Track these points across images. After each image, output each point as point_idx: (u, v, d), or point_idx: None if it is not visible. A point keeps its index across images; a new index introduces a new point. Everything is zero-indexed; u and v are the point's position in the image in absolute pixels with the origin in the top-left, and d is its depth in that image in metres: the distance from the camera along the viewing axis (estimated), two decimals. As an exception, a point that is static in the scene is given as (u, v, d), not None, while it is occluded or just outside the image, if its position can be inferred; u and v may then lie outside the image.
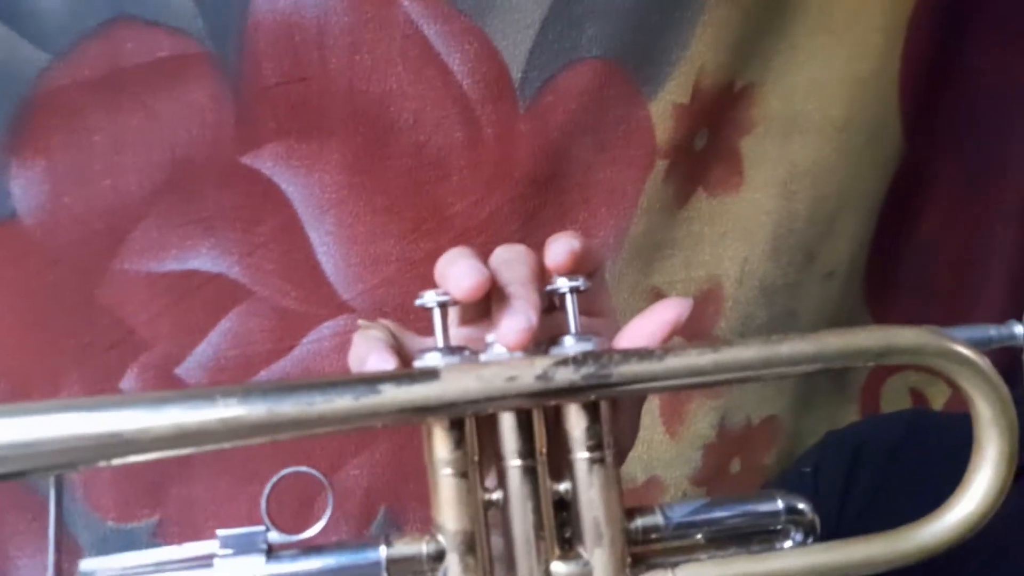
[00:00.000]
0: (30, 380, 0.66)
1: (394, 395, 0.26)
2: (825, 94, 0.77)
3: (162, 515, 0.69)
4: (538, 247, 0.75)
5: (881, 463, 0.52)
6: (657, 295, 0.78)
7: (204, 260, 0.69)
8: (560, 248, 0.31)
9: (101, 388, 0.67)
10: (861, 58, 0.77)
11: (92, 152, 0.66)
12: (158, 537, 0.70)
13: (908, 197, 0.85)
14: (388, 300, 0.71)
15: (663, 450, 0.79)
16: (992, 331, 0.32)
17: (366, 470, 0.72)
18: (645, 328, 0.30)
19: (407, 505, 0.72)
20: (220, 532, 0.28)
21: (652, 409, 0.78)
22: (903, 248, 0.87)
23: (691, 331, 0.77)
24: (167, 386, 0.69)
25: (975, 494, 0.28)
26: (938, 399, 0.87)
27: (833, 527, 0.53)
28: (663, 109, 0.73)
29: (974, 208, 0.84)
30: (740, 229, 0.78)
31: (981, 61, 0.83)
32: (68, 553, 0.72)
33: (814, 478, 0.55)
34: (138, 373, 0.68)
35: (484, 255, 0.37)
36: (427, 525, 0.28)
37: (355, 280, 0.71)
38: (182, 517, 0.69)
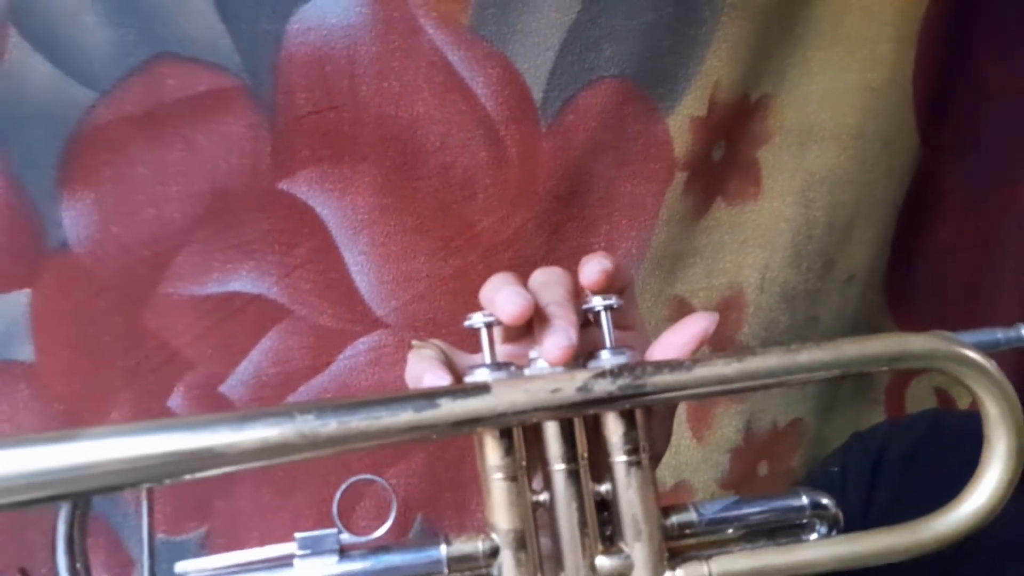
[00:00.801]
0: (83, 402, 0.69)
1: (451, 408, 0.28)
2: (839, 104, 0.79)
3: (209, 527, 0.72)
4: (563, 261, 0.78)
5: (904, 462, 0.53)
6: (680, 304, 0.80)
7: (244, 282, 0.71)
8: (593, 268, 0.33)
9: (148, 408, 0.70)
10: (873, 68, 0.79)
11: (137, 184, 0.69)
12: (206, 548, 0.72)
13: (924, 202, 0.86)
14: (420, 315, 0.74)
15: (691, 455, 0.80)
16: (1000, 334, 0.34)
17: (403, 480, 0.75)
18: (675, 341, 0.33)
19: (443, 514, 0.75)
20: (298, 535, 0.31)
21: (679, 414, 0.79)
22: (921, 252, 0.88)
23: (715, 338, 0.79)
24: (212, 404, 0.72)
25: (987, 487, 0.30)
26: (964, 398, 0.88)
27: (860, 524, 0.55)
28: (680, 123, 0.75)
29: (988, 212, 0.85)
30: (760, 237, 0.80)
31: (991, 69, 0.85)
32: (122, 565, 0.76)
33: (842, 477, 0.56)
34: (184, 392, 0.71)
35: (511, 270, 0.39)
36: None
37: (388, 297, 0.74)
38: (228, 529, 0.72)
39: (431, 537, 0.31)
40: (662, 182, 0.76)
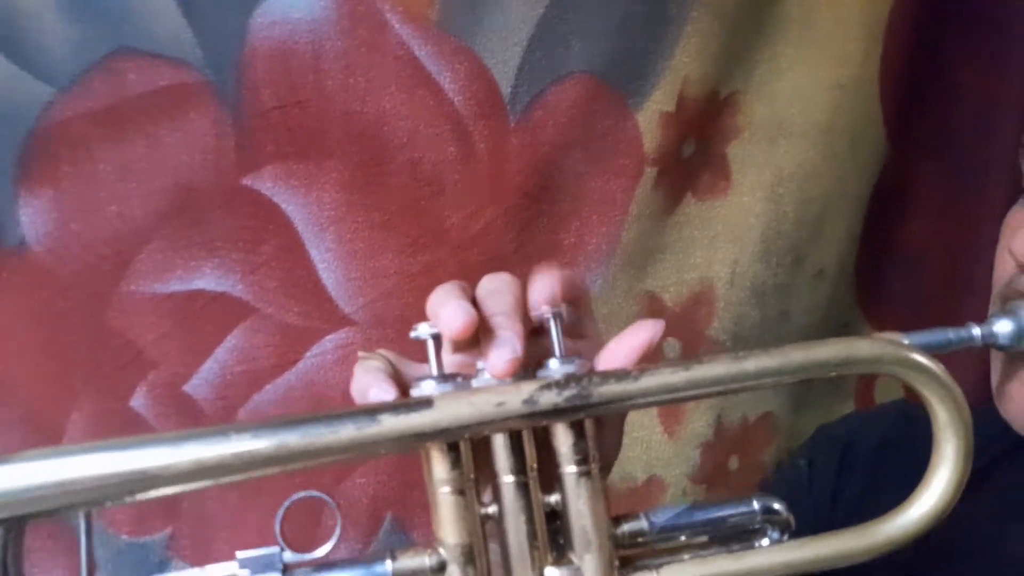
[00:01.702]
0: (43, 403, 0.68)
1: (393, 424, 0.28)
2: (808, 100, 0.79)
3: (175, 528, 0.71)
4: (533, 257, 0.77)
5: (871, 455, 0.54)
6: (651, 300, 0.80)
7: (208, 280, 0.70)
8: (542, 287, 0.33)
9: (111, 408, 0.69)
10: (841, 65, 0.79)
11: (98, 181, 0.68)
12: (171, 551, 0.72)
13: (894, 198, 0.87)
14: (388, 313, 0.73)
15: (662, 450, 0.81)
16: (951, 334, 0.34)
17: (372, 478, 0.74)
18: (621, 350, 0.32)
19: (412, 512, 0.74)
20: (239, 554, 0.30)
21: (650, 410, 0.80)
22: (891, 247, 0.88)
23: (685, 334, 0.79)
24: (176, 404, 0.71)
25: (935, 490, 0.31)
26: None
27: (827, 518, 0.55)
28: (650, 119, 0.75)
29: (959, 207, 0.86)
30: (730, 232, 0.80)
31: (961, 66, 0.85)
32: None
33: (809, 470, 0.57)
34: (147, 392, 0.70)
35: (480, 266, 0.38)
36: (432, 532, 0.30)
37: (356, 294, 0.73)
38: (194, 531, 0.71)
39: (376, 552, 0.30)
40: (632, 178, 0.76)
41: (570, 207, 0.76)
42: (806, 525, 0.54)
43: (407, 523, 0.74)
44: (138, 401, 0.70)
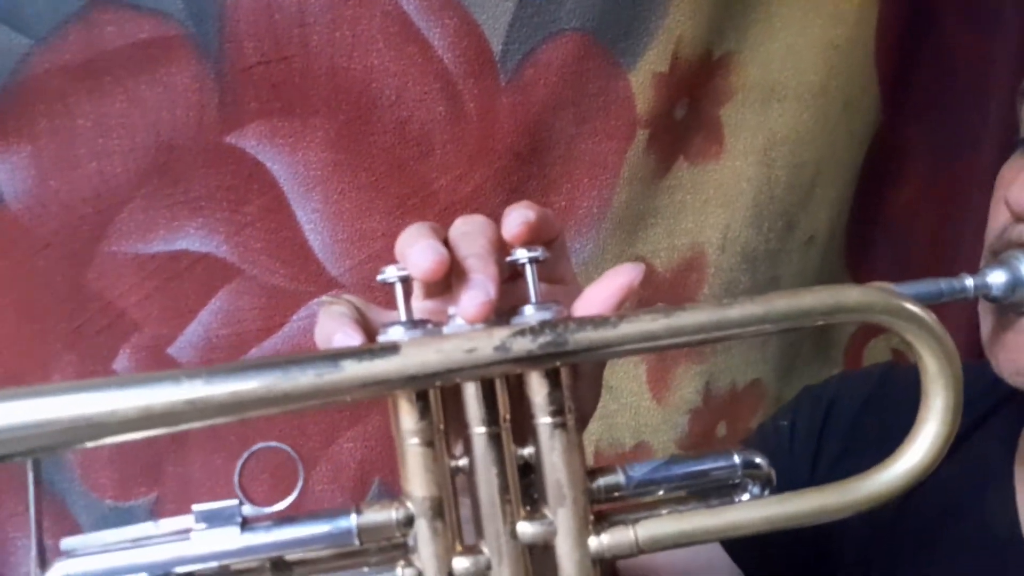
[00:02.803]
0: (23, 365, 0.67)
1: (356, 370, 0.27)
2: (802, 61, 0.78)
3: (159, 493, 0.71)
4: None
5: (852, 415, 0.53)
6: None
7: (192, 240, 0.69)
8: (514, 220, 0.32)
9: (93, 371, 0.68)
10: (836, 25, 0.78)
11: (77, 136, 0.66)
12: (156, 514, 0.71)
13: (885, 163, 0.86)
14: (375, 275, 0.72)
15: (650, 416, 0.80)
16: (943, 284, 0.33)
17: (360, 443, 0.74)
18: (599, 295, 0.31)
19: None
20: (195, 507, 0.29)
21: (639, 375, 0.80)
22: (882, 213, 0.88)
23: (676, 299, 0.79)
24: (160, 367, 0.70)
25: (922, 445, 0.30)
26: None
27: (807, 478, 0.55)
28: (643, 79, 0.74)
29: (950, 173, 0.85)
30: (721, 197, 0.79)
31: (956, 32, 0.84)
32: (68, 533, 0.74)
33: (790, 431, 0.56)
34: (130, 354, 0.69)
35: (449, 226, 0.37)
36: (400, 485, 0.30)
37: (343, 256, 0.72)
38: (179, 494, 0.71)
39: (341, 506, 0.29)
40: (624, 140, 0.75)
41: (561, 169, 0.75)
42: (786, 485, 0.54)
43: (395, 487, 0.73)
44: (121, 364, 0.69)
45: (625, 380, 0.79)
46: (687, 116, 0.78)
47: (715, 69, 0.78)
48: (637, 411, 0.80)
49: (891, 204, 0.87)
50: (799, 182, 0.80)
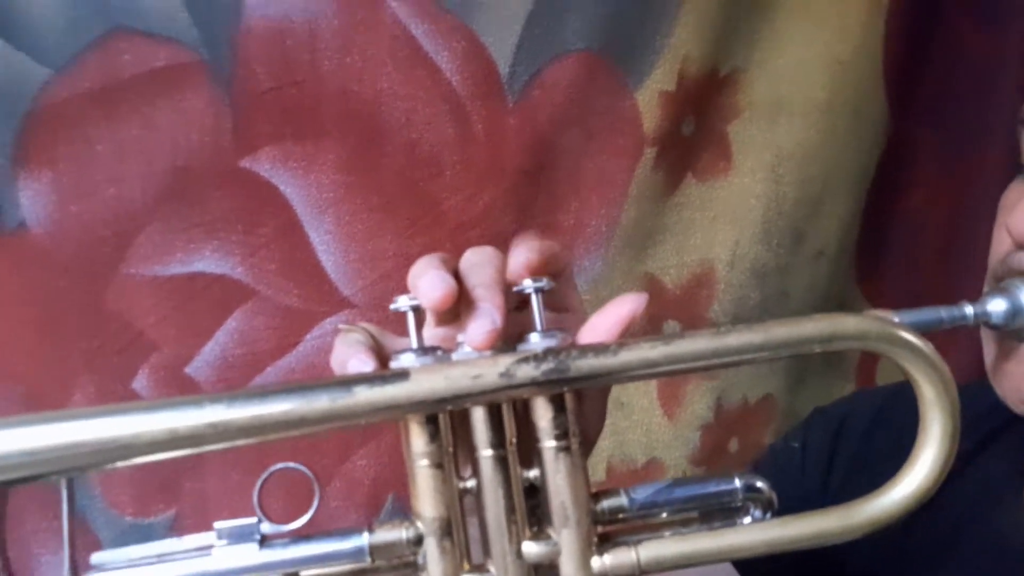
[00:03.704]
0: (44, 385, 0.68)
1: (368, 396, 0.28)
2: (808, 77, 0.78)
3: (178, 510, 0.71)
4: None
5: (862, 435, 0.53)
6: (651, 281, 0.79)
7: (208, 262, 0.70)
8: (518, 259, 0.33)
9: (113, 390, 0.70)
10: (842, 40, 0.78)
11: (95, 162, 0.68)
12: (174, 531, 0.72)
13: (894, 174, 0.86)
14: (387, 295, 0.72)
15: (662, 432, 0.80)
16: (943, 312, 0.33)
17: (373, 460, 0.74)
18: (603, 324, 0.32)
19: (414, 493, 0.74)
20: (217, 524, 0.30)
21: (650, 392, 0.80)
22: (891, 225, 0.88)
23: (686, 316, 0.79)
24: (178, 386, 0.71)
25: (921, 470, 0.30)
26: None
27: (818, 497, 0.55)
28: (649, 98, 0.74)
29: (959, 182, 0.85)
30: (730, 213, 0.79)
31: (961, 37, 0.84)
32: (89, 548, 0.75)
33: (802, 451, 0.56)
34: (149, 374, 0.70)
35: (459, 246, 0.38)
36: (411, 505, 0.30)
37: (355, 276, 0.73)
38: (196, 511, 0.72)
39: (354, 525, 0.30)
40: (631, 158, 0.76)
41: (569, 188, 0.75)
42: (798, 504, 0.54)
43: (408, 504, 0.74)
44: (140, 383, 0.71)
45: (636, 396, 0.80)
46: (694, 133, 0.78)
47: (722, 86, 0.78)
48: (649, 427, 0.80)
49: (900, 214, 0.87)
50: (807, 197, 0.81)
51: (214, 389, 0.72)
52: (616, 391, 0.77)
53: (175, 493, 0.72)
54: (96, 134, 0.67)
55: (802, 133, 0.79)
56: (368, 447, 0.74)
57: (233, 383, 0.72)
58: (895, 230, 0.88)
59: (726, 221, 0.79)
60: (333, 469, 0.74)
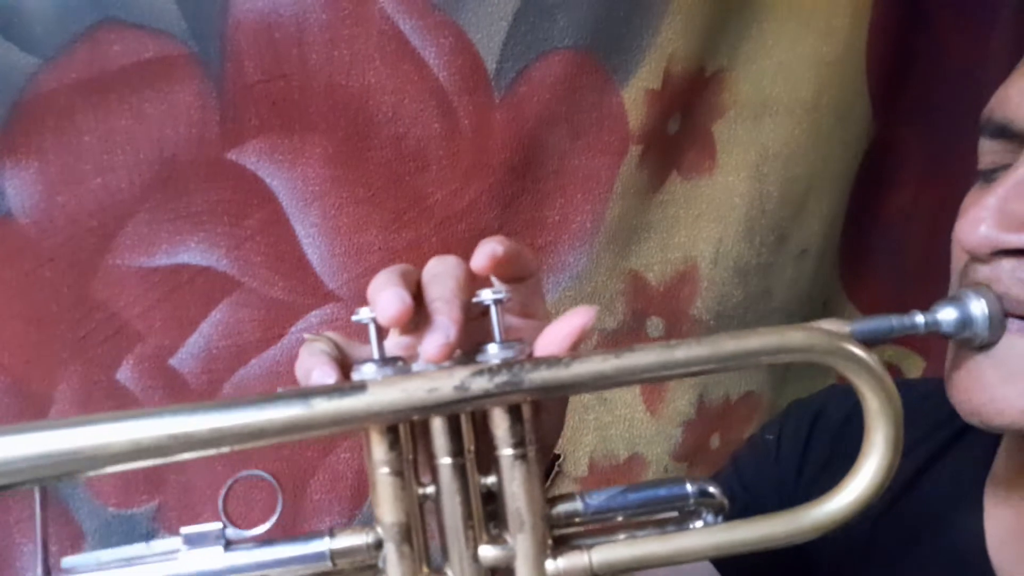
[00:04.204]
0: (29, 375, 0.69)
1: (325, 408, 0.29)
2: (793, 77, 0.78)
3: (161, 501, 0.72)
4: (517, 234, 0.77)
5: (837, 427, 0.54)
6: (634, 278, 0.80)
7: (193, 254, 0.71)
8: (482, 254, 0.33)
9: (98, 380, 0.70)
10: (827, 40, 0.78)
11: (83, 152, 0.68)
12: (157, 522, 0.73)
13: (878, 175, 0.86)
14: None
15: (644, 428, 0.81)
16: (894, 321, 0.34)
17: (356, 453, 0.75)
18: (555, 336, 0.33)
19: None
20: (183, 530, 0.31)
21: (633, 389, 0.81)
22: (875, 225, 0.88)
23: (669, 312, 0.80)
24: (162, 377, 0.72)
25: (864, 477, 0.31)
26: (913, 372, 0.89)
27: (792, 488, 0.56)
28: (635, 96, 0.75)
29: (943, 183, 0.85)
30: (714, 211, 0.80)
31: (946, 40, 0.84)
32: (72, 539, 0.76)
33: (777, 443, 0.57)
34: (134, 364, 0.71)
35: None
36: (372, 510, 0.31)
37: (340, 270, 0.73)
38: (180, 502, 0.73)
39: (316, 531, 0.31)
40: (617, 155, 0.76)
41: (554, 184, 0.76)
42: (772, 495, 0.55)
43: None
44: (124, 374, 0.71)
45: (619, 392, 0.81)
46: (680, 132, 0.79)
47: (707, 85, 0.79)
48: (631, 423, 0.81)
49: (885, 213, 0.88)
50: (791, 196, 0.81)
51: (198, 380, 0.72)
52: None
53: (159, 484, 0.73)
54: (84, 124, 0.68)
55: (787, 132, 0.79)
56: (352, 441, 0.75)
57: (217, 374, 0.72)
58: (879, 230, 0.88)
59: (710, 219, 0.80)
60: (317, 462, 0.75)
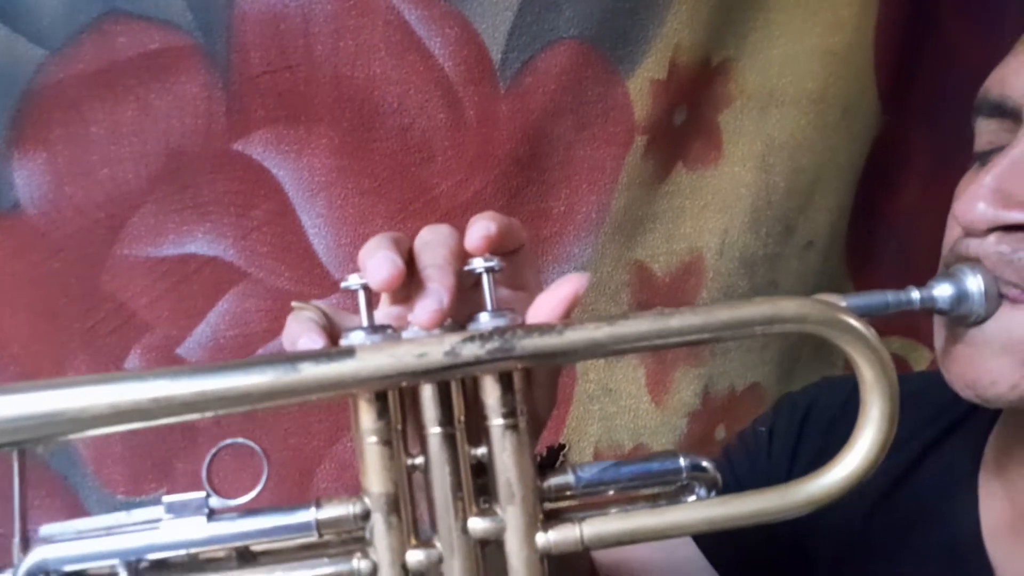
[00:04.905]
0: (38, 365, 0.69)
1: (313, 373, 0.29)
2: (800, 68, 0.78)
3: (169, 488, 0.73)
4: (523, 225, 0.77)
5: (829, 420, 0.54)
6: (640, 269, 0.80)
7: (200, 244, 0.71)
8: (476, 233, 0.33)
9: (106, 370, 0.71)
10: (835, 32, 0.78)
11: (90, 143, 0.68)
12: (166, 508, 0.73)
13: (886, 167, 0.85)
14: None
15: (649, 418, 0.81)
16: (889, 296, 0.34)
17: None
18: (548, 304, 0.33)
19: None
20: (165, 498, 0.31)
21: (638, 378, 0.80)
22: (882, 217, 0.87)
23: (673, 304, 0.79)
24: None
25: (859, 451, 0.31)
26: (920, 364, 0.89)
27: (784, 481, 0.55)
28: (641, 86, 0.75)
29: (951, 175, 0.84)
30: (720, 202, 0.79)
31: (954, 34, 0.83)
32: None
33: (769, 436, 0.57)
34: (141, 354, 0.71)
35: None
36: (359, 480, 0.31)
37: (346, 260, 0.74)
38: (188, 489, 0.73)
39: (302, 501, 0.31)
40: (622, 146, 0.76)
41: (560, 175, 0.76)
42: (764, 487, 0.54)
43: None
44: (132, 363, 0.72)
45: (624, 383, 0.80)
46: (686, 122, 0.79)
47: (713, 76, 0.78)
48: (636, 413, 0.80)
49: (892, 207, 0.87)
50: (798, 187, 0.81)
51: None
52: (604, 377, 0.78)
53: (167, 472, 0.73)
54: (91, 116, 0.68)
55: (793, 124, 0.79)
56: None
57: (225, 364, 0.72)
58: (886, 223, 0.88)
59: (716, 210, 0.79)
60: (323, 451, 0.75)
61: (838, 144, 0.81)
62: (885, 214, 0.87)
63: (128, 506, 0.74)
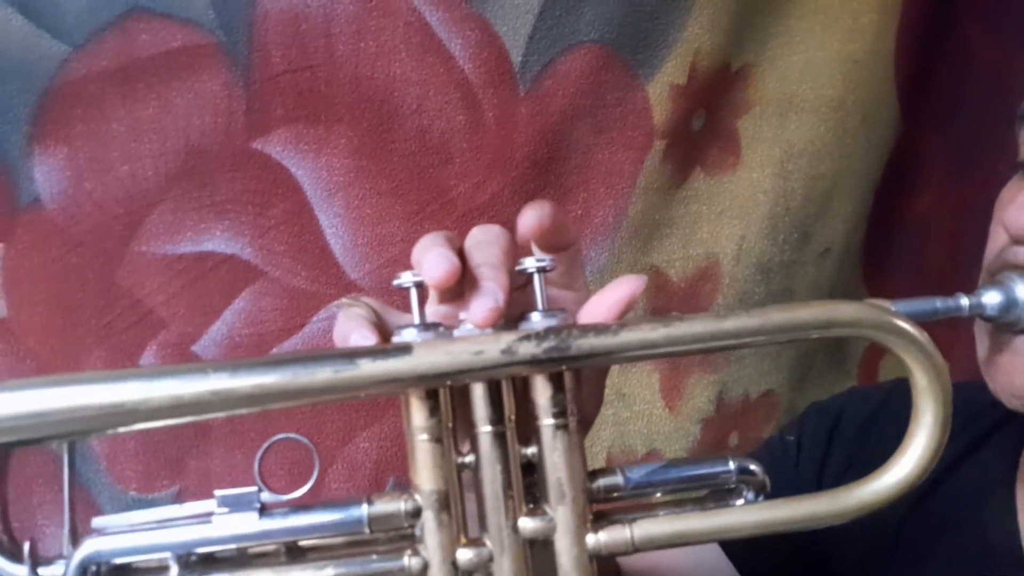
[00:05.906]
0: (55, 360, 0.69)
1: (370, 368, 0.29)
2: (820, 75, 0.78)
3: (181, 486, 0.72)
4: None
5: (857, 431, 0.54)
6: (656, 274, 0.80)
7: (218, 242, 0.71)
8: (530, 218, 0.33)
9: (121, 366, 0.71)
10: (855, 39, 0.78)
11: (110, 140, 0.68)
12: (178, 506, 0.73)
13: (904, 175, 0.86)
14: (393, 279, 0.73)
15: (663, 424, 0.81)
16: (938, 303, 0.34)
17: (375, 442, 0.75)
18: (603, 304, 0.33)
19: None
20: (218, 492, 0.31)
21: (652, 384, 0.80)
22: (899, 225, 0.88)
23: (689, 309, 0.79)
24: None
25: (912, 456, 0.31)
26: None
27: (813, 491, 0.55)
28: (660, 91, 0.75)
29: (968, 184, 0.85)
30: (737, 208, 0.79)
31: (977, 39, 0.84)
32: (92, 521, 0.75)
33: (797, 446, 0.57)
34: (157, 351, 0.71)
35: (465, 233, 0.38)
36: (410, 478, 0.31)
37: (362, 260, 0.73)
38: (200, 487, 0.73)
39: (353, 496, 0.31)
40: (640, 150, 0.76)
41: (577, 178, 0.76)
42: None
43: (409, 486, 0.75)
44: (148, 359, 0.71)
45: (638, 388, 0.80)
46: (704, 127, 0.79)
47: (733, 81, 0.78)
48: (650, 419, 0.80)
49: (909, 215, 0.88)
50: (815, 194, 0.81)
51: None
52: (619, 382, 0.78)
53: (179, 470, 0.73)
54: (112, 113, 0.68)
55: (812, 130, 0.79)
56: (370, 430, 0.75)
57: (240, 362, 0.72)
58: (903, 231, 0.88)
59: (733, 216, 0.79)
60: (335, 451, 0.75)
61: (856, 151, 0.82)
62: (902, 223, 0.88)
63: (139, 503, 0.75)
